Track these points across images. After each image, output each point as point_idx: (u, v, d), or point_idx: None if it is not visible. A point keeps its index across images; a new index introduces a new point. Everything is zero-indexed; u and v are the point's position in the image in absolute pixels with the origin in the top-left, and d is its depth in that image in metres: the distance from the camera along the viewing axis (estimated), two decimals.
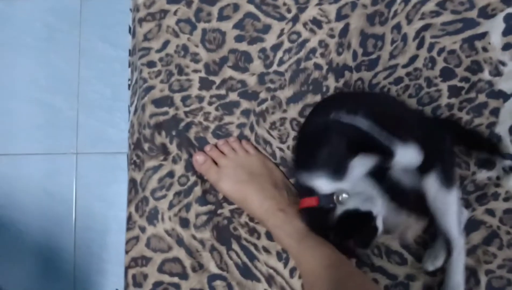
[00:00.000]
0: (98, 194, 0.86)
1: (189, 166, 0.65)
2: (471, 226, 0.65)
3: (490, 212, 0.66)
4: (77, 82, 0.96)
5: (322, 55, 0.68)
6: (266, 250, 0.64)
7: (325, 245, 0.55)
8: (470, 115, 0.67)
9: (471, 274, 0.64)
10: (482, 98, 0.67)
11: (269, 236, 0.64)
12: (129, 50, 0.73)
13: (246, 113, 0.67)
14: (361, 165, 0.56)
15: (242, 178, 0.61)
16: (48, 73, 1.00)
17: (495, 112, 0.68)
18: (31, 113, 0.99)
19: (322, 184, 0.56)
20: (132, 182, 0.66)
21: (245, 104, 0.67)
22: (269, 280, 0.63)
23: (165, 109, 0.66)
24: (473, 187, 0.66)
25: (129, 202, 0.66)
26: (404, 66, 0.68)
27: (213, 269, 0.63)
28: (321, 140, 0.57)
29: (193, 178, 0.65)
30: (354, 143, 0.56)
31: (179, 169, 0.65)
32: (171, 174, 0.64)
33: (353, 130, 0.56)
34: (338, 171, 0.55)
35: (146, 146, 0.65)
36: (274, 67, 0.68)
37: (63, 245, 0.88)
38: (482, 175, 0.66)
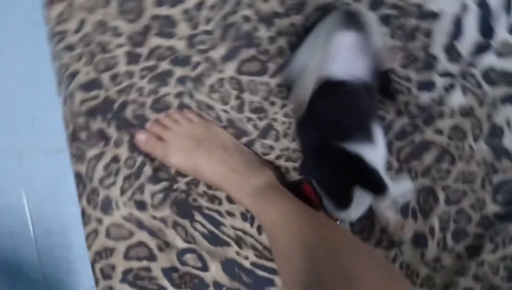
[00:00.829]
0: (49, 195, 0.82)
1: (133, 147, 0.62)
2: (421, 148, 0.67)
3: (438, 131, 0.68)
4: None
5: (249, 5, 0.65)
6: (230, 214, 0.64)
7: (285, 196, 0.54)
8: (402, 42, 0.67)
9: (429, 193, 0.67)
10: (412, 22, 0.68)
11: (230, 199, 0.63)
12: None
13: (181, 80, 0.64)
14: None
15: (189, 147, 0.59)
16: None
17: (428, 34, 0.69)
18: None
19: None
20: (78, 176, 0.63)
21: (178, 72, 0.64)
22: (239, 241, 0.63)
23: (95, 92, 0.62)
24: (417, 110, 0.67)
25: (80, 196, 0.63)
26: None
27: (180, 244, 0.62)
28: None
29: (140, 159, 0.62)
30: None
31: (123, 152, 0.62)
32: (116, 159, 0.61)
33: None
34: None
35: (83, 135, 0.61)
36: (202, 26, 0.64)
37: (26, 255, 0.84)
38: (425, 97, 0.67)
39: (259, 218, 0.56)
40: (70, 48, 0.62)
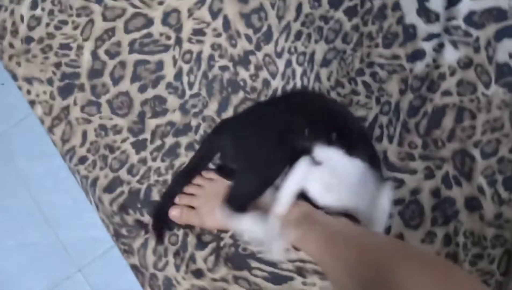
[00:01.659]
0: None
1: (172, 225, 0.65)
2: (437, 115, 0.66)
3: (446, 93, 0.66)
4: (37, 209, 0.97)
5: (221, 56, 0.67)
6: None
7: (320, 219, 0.55)
8: (376, 25, 0.67)
9: (463, 155, 0.64)
10: (378, 2, 0.68)
11: None
12: None
13: (190, 147, 0.67)
14: None
15: (218, 205, 0.62)
16: (6, 216, 1.02)
17: (397, 6, 0.68)
18: (14, 261, 0.99)
19: None
20: (134, 267, 0.66)
21: (184, 140, 0.67)
22: (301, 272, 0.64)
23: (119, 190, 0.65)
24: (418, 82, 0.66)
25: (142, 285, 0.66)
26: (295, 20, 0.68)
27: None
28: None
29: (181, 232, 0.64)
30: None
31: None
32: None
33: None
34: None
35: (124, 231, 0.65)
36: (188, 92, 0.67)
37: None
38: (419, 67, 0.66)
39: (304, 250, 0.56)
40: (82, 160, 0.67)
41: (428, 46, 0.66)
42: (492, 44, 0.65)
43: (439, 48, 0.66)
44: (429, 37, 0.66)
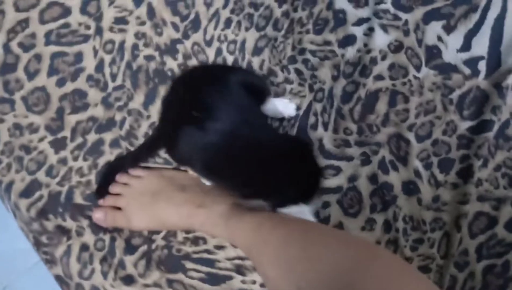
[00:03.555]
0: None
1: (96, 229, 0.60)
2: (371, 100, 0.65)
3: (379, 77, 0.65)
4: None
5: (146, 45, 0.63)
6: (219, 247, 0.61)
7: (248, 212, 0.52)
8: (306, 11, 0.66)
9: (398, 138, 0.65)
10: None
11: None
12: None
13: (115, 143, 0.62)
14: None
15: (147, 204, 0.57)
16: None
17: None
18: None
19: None
20: (58, 279, 0.60)
21: (109, 137, 0.62)
22: (239, 269, 0.60)
23: (37, 194, 0.59)
24: (350, 67, 0.65)
25: None
26: (224, 7, 0.65)
27: None
28: None
29: (107, 237, 0.59)
30: None
31: (88, 238, 0.59)
32: (84, 247, 0.59)
33: None
34: None
35: (44, 238, 0.59)
36: (111, 84, 0.63)
37: None
38: (351, 52, 0.66)
39: (235, 243, 0.54)
40: None
41: (358, 31, 0.66)
42: (420, 27, 0.65)
43: (370, 32, 0.65)
44: (359, 21, 0.66)
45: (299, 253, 0.39)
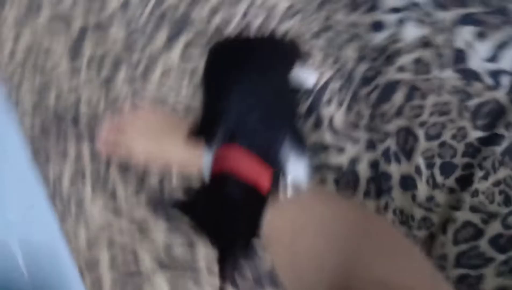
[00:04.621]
0: None
1: (95, 157, 0.61)
2: (388, 89, 0.65)
3: (401, 69, 0.66)
4: None
5: None
6: None
7: None
8: None
9: (407, 133, 0.65)
10: None
11: None
12: None
13: (128, 81, 0.63)
14: None
15: (149, 139, 0.58)
16: None
17: None
18: None
19: None
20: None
21: (122, 74, 0.63)
22: None
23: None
24: (374, 53, 0.65)
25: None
26: None
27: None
28: None
29: (103, 166, 0.61)
30: None
31: (86, 164, 0.61)
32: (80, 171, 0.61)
33: None
34: None
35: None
36: (133, 25, 0.63)
37: None
38: (378, 38, 0.66)
39: None
40: None
41: (390, 19, 0.65)
42: (453, 28, 0.66)
43: (401, 23, 0.65)
44: (393, 10, 0.65)
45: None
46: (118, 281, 0.59)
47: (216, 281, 0.59)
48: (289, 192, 0.44)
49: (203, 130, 0.49)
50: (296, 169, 0.46)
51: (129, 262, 0.60)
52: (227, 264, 0.41)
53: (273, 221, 0.43)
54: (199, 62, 0.62)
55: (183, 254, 0.60)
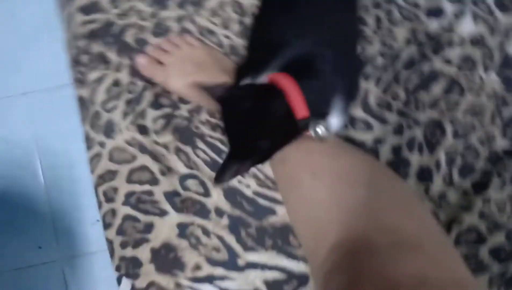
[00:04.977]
0: (56, 130, 0.83)
1: (134, 72, 0.61)
2: (430, 78, 0.65)
3: (447, 61, 0.65)
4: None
5: None
6: None
7: None
8: None
9: (436, 126, 0.65)
10: None
11: None
12: None
13: (182, 4, 0.63)
14: None
15: (189, 71, 0.58)
16: None
17: None
18: None
19: None
20: (81, 100, 0.63)
21: None
22: None
23: (94, 16, 0.61)
24: (426, 38, 0.64)
25: (83, 120, 0.63)
26: None
27: (183, 169, 0.62)
28: None
29: (141, 83, 0.61)
30: None
31: (124, 76, 0.61)
32: (117, 83, 0.61)
33: None
34: None
35: (84, 58, 0.61)
36: None
37: (33, 189, 0.86)
38: (433, 24, 0.65)
39: None
40: None
41: (450, 8, 0.64)
42: (509, 33, 0.64)
43: (459, 14, 0.64)
44: (455, 0, 0.65)
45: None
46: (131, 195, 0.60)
47: None
48: (318, 135, 0.45)
49: (252, 65, 0.49)
50: (335, 118, 0.47)
51: (144, 182, 0.61)
52: (231, 164, 0.43)
53: (296, 158, 0.44)
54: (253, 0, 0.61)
55: (197, 188, 0.61)
